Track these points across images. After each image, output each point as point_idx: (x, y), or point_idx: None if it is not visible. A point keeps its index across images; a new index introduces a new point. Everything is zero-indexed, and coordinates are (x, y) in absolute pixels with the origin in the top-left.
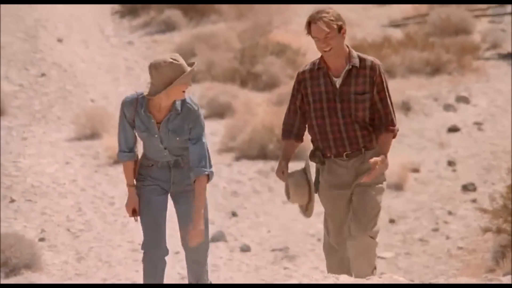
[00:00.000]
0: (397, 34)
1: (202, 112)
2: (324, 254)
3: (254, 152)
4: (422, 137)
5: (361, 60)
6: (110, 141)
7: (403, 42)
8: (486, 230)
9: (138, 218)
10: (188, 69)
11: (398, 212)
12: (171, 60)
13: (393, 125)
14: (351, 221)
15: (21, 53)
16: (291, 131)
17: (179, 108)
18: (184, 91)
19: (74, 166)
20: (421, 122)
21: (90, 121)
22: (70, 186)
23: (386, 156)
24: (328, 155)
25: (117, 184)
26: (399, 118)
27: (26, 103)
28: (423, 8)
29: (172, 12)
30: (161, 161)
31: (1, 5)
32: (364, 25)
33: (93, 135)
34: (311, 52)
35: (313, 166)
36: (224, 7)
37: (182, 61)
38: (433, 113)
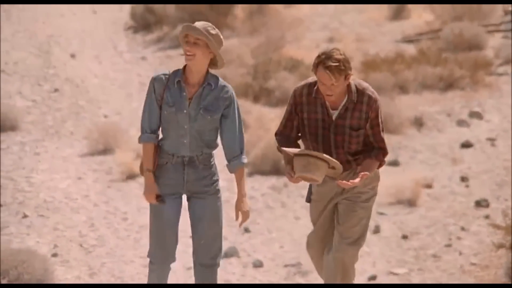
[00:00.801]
0: (410, 49)
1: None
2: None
3: (267, 167)
4: (435, 152)
5: (359, 94)
6: (123, 157)
7: (416, 57)
8: (499, 246)
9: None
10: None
11: (411, 228)
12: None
13: (384, 156)
14: (335, 234)
15: (34, 68)
16: (289, 141)
17: (212, 84)
18: (186, 54)
19: (86, 181)
20: (434, 137)
21: (103, 136)
22: (82, 202)
23: (368, 173)
24: None
25: (130, 200)
26: (412, 134)
27: (39, 119)
28: (436, 23)
29: None
30: (176, 155)
31: (15, 19)
32: (377, 41)
33: (106, 151)
34: None
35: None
36: (237, 22)
37: (197, 23)
38: (446, 128)
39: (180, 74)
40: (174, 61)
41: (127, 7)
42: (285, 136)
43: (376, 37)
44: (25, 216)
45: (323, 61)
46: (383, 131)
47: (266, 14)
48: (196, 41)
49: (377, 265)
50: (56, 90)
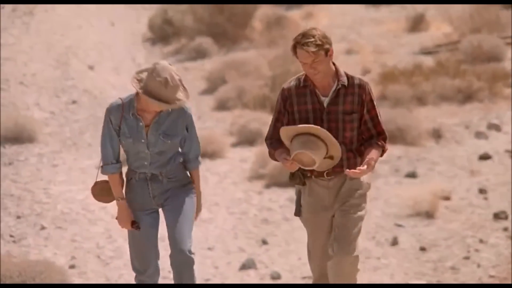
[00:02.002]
0: (428, 61)
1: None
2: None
3: (285, 179)
4: (454, 164)
5: (349, 78)
6: None
7: (435, 69)
8: None
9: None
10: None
11: (429, 240)
12: (166, 78)
13: (385, 141)
14: (333, 243)
15: (52, 80)
16: (280, 144)
17: (169, 108)
18: (154, 109)
19: None
20: (453, 149)
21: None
22: (100, 213)
23: (375, 160)
24: (309, 174)
25: None
26: (431, 146)
27: (57, 130)
28: (454, 35)
29: (203, 40)
30: (139, 172)
31: (33, 31)
32: (395, 53)
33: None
34: None
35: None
36: (255, 34)
37: (174, 83)
38: (464, 140)
39: (134, 105)
40: (191, 73)
41: (145, 19)
42: (275, 140)
43: (394, 49)
44: (43, 227)
45: (299, 40)
46: (379, 114)
47: (284, 26)
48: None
49: (395, 277)
50: (74, 101)
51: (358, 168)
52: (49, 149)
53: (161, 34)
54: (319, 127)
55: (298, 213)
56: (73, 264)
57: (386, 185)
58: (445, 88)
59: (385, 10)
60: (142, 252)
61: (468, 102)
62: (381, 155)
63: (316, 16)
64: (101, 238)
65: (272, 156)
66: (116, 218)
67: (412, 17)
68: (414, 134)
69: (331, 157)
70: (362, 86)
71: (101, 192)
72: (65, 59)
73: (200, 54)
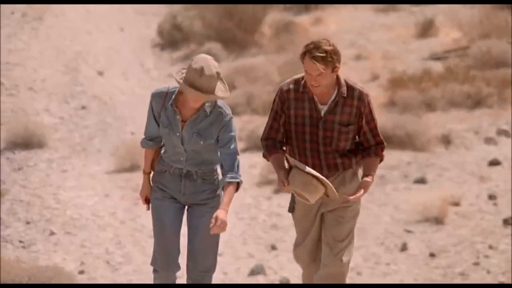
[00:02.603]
0: (437, 67)
1: (234, 121)
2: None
3: None
4: (463, 170)
5: (349, 88)
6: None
7: (444, 75)
8: None
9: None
10: (200, 86)
11: (439, 246)
12: (202, 66)
13: (383, 151)
14: (324, 248)
15: (61, 86)
16: (275, 145)
17: (208, 111)
18: (194, 105)
19: (113, 198)
20: (462, 155)
21: (130, 153)
22: (109, 219)
23: (373, 176)
24: None
25: None
26: (440, 152)
27: (67, 136)
28: (463, 41)
29: (212, 45)
30: (174, 166)
31: (42, 37)
32: (404, 58)
33: (133, 168)
34: None
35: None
36: (264, 40)
37: (210, 72)
38: (473, 146)
39: (175, 97)
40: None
41: (154, 24)
42: (271, 140)
43: (403, 55)
44: (52, 233)
45: (310, 50)
46: (377, 124)
47: (293, 32)
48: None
49: (404, 283)
50: (83, 107)
51: (358, 194)
52: (59, 154)
53: (170, 40)
54: (320, 176)
55: (291, 209)
56: (83, 270)
57: (395, 191)
58: (454, 94)
59: (394, 15)
60: (167, 244)
61: (478, 108)
62: (380, 162)
63: (325, 21)
64: (110, 244)
65: (266, 158)
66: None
67: (421, 23)
68: (423, 140)
69: (327, 195)
70: (361, 99)
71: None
72: (74, 65)
73: None
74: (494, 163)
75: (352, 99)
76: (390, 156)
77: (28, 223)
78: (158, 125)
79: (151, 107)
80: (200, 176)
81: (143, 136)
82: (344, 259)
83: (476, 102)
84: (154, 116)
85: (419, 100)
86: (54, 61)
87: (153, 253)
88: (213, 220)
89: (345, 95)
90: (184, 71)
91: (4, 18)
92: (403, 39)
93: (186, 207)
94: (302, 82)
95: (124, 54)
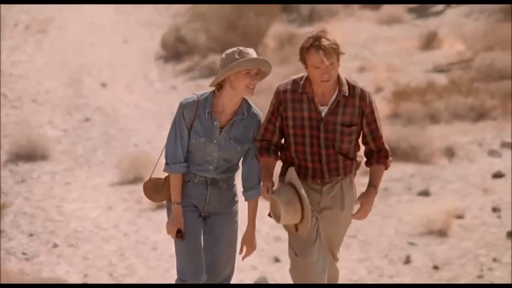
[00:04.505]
0: (441, 79)
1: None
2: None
3: None
4: (467, 183)
5: (350, 87)
6: None
7: (448, 87)
8: None
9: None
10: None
11: (442, 259)
12: (239, 48)
13: (387, 157)
14: (320, 248)
15: (65, 98)
16: (269, 148)
17: (246, 112)
18: (249, 86)
19: (116, 210)
20: (466, 168)
21: (133, 165)
22: (112, 231)
23: (377, 189)
24: (302, 178)
25: (160, 229)
26: (444, 164)
27: (70, 148)
28: (467, 53)
29: (216, 57)
30: (199, 175)
31: (46, 49)
32: (408, 70)
33: (136, 180)
34: None
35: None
36: (268, 52)
37: (252, 51)
38: (477, 159)
39: (210, 104)
40: (204, 90)
41: (158, 37)
42: (266, 142)
43: (407, 67)
44: (55, 245)
45: (314, 42)
46: (381, 128)
47: (297, 44)
48: (258, 72)
49: None
50: (87, 119)
51: (361, 213)
52: (62, 167)
53: (174, 52)
54: (307, 204)
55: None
56: (86, 282)
57: (398, 203)
58: (458, 106)
59: (398, 28)
60: (195, 256)
61: (481, 120)
62: (386, 169)
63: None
64: (113, 256)
65: (257, 159)
66: (167, 223)
67: (425, 35)
68: (427, 152)
69: (297, 227)
70: (363, 98)
71: (154, 189)
72: (78, 77)
73: (213, 71)
74: (497, 175)
75: (353, 99)
76: (394, 168)
77: (31, 235)
78: (189, 138)
79: (182, 119)
80: (225, 182)
81: (165, 162)
82: (335, 260)
83: (479, 115)
84: (187, 128)
85: (423, 112)
86: (57, 73)
87: (177, 263)
88: (243, 248)
89: (347, 94)
90: (219, 72)
91: (8, 30)
92: (407, 51)
93: (203, 217)
94: (301, 82)
95: (128, 66)
